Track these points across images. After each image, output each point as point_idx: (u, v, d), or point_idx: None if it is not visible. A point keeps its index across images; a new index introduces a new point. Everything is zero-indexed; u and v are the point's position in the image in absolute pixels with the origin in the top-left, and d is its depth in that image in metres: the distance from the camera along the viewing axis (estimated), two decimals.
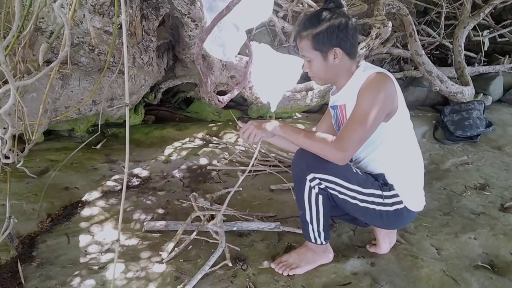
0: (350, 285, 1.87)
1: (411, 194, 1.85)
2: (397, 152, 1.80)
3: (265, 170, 2.98)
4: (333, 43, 1.72)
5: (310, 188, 1.79)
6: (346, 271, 1.96)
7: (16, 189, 2.46)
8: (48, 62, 2.75)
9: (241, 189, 2.76)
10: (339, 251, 2.08)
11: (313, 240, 1.91)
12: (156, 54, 3.39)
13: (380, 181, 1.79)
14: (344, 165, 1.69)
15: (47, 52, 2.45)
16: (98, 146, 3.36)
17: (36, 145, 3.21)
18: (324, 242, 1.92)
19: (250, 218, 2.35)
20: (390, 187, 1.80)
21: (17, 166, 1.91)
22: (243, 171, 2.98)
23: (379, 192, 1.78)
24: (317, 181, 1.76)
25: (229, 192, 2.65)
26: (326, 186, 1.77)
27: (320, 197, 1.81)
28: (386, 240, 2.08)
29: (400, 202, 1.81)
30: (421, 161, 1.91)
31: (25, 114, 1.98)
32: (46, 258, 1.99)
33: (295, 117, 4.44)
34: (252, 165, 2.40)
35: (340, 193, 1.77)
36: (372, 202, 1.78)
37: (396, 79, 1.76)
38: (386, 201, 1.79)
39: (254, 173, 3.00)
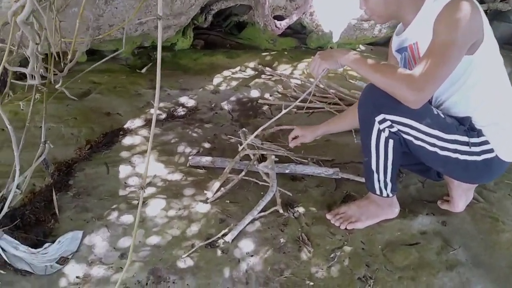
0: (417, 245, 1.69)
1: (504, 140, 1.57)
2: (486, 91, 1.52)
3: (323, 108, 2.75)
4: None
5: (379, 132, 1.57)
6: (413, 229, 1.77)
7: (55, 111, 2.38)
8: None
9: (294, 127, 2.54)
10: (405, 206, 1.88)
11: (377, 192, 1.71)
12: None
13: (466, 126, 1.54)
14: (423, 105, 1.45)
15: None
16: (143, 70, 3.21)
17: (78, 65, 3.10)
18: (390, 195, 1.72)
19: (305, 160, 2.16)
20: (479, 133, 1.54)
21: (56, 87, 1.79)
22: (298, 107, 2.77)
23: (464, 138, 1.52)
24: (387, 123, 1.53)
25: (281, 131, 2.48)
26: (399, 130, 1.54)
27: (391, 142, 1.58)
28: (462, 197, 1.85)
29: (491, 151, 1.55)
30: None
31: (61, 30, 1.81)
32: (83, 187, 1.91)
33: (358, 49, 4.09)
34: (309, 94, 2.18)
35: (416, 138, 1.53)
36: (456, 150, 1.53)
37: None
38: (473, 149, 1.53)
39: (311, 111, 2.77)
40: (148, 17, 3.03)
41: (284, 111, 1.59)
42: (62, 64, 1.75)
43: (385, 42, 4.21)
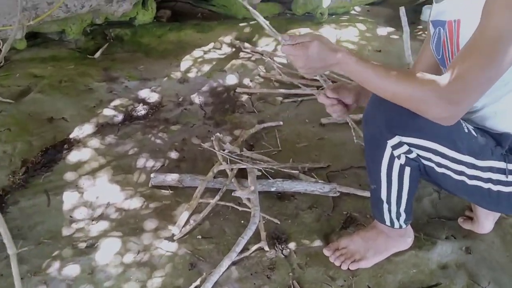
0: (438, 287, 1.44)
1: None
2: None
3: (314, 95, 2.45)
4: None
5: (392, 158, 1.29)
6: (431, 263, 1.54)
7: None
8: None
9: (281, 123, 2.26)
10: (419, 228, 1.66)
11: (387, 223, 1.46)
12: None
13: (505, 147, 1.25)
14: None
15: None
16: (97, 55, 2.86)
17: (18, 54, 2.76)
18: (404, 226, 1.47)
19: (295, 172, 1.88)
20: None
21: None
22: (284, 96, 2.47)
23: (501, 164, 1.25)
24: (404, 148, 1.26)
25: (265, 129, 2.20)
26: (419, 156, 1.26)
27: (407, 169, 1.31)
28: (489, 216, 1.62)
29: None
30: None
31: None
32: (18, 228, 1.64)
33: (353, 12, 3.75)
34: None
35: (440, 165, 1.26)
36: (489, 180, 1.26)
37: None
38: (511, 178, 1.26)
39: (299, 99, 2.47)
40: None
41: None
42: None
43: (383, 2, 3.87)
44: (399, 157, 1.28)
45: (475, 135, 1.23)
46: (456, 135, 1.20)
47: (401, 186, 1.35)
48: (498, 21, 1.03)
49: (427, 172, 1.32)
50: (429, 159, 1.26)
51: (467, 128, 1.23)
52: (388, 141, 1.25)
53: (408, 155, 1.27)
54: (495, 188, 1.27)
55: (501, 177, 1.25)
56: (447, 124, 1.10)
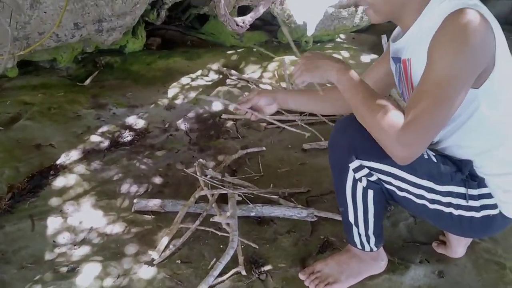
0: None
1: None
2: (494, 130, 1.28)
3: (296, 121, 2.51)
4: None
5: (355, 181, 1.35)
6: (404, 287, 1.57)
7: None
8: None
9: (264, 149, 2.32)
10: (394, 252, 1.69)
11: (358, 246, 1.50)
12: None
13: (465, 173, 1.31)
14: None
15: None
16: (87, 82, 2.93)
17: (9, 81, 2.83)
18: (374, 249, 1.51)
19: (274, 197, 1.93)
20: (480, 183, 1.31)
21: None
22: (268, 122, 2.53)
23: (461, 189, 1.30)
24: (365, 171, 1.32)
25: (248, 154, 2.26)
26: (380, 179, 1.32)
27: (370, 192, 1.37)
28: (461, 241, 1.66)
29: (493, 206, 1.33)
30: None
31: None
32: (2, 252, 1.67)
33: (338, 39, 3.84)
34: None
35: (400, 189, 1.32)
36: (449, 204, 1.32)
37: None
38: (472, 203, 1.31)
39: (282, 126, 2.52)
40: (86, 19, 2.75)
41: None
42: None
43: (368, 29, 3.97)
44: (360, 180, 1.33)
45: (435, 161, 1.29)
46: (415, 160, 1.26)
47: (366, 209, 1.40)
48: (439, 68, 1.10)
49: (391, 195, 1.37)
50: (390, 183, 1.31)
51: (427, 154, 1.29)
52: (349, 164, 1.31)
53: (369, 178, 1.33)
54: (456, 212, 1.32)
55: (462, 202, 1.30)
56: (402, 163, 1.15)
